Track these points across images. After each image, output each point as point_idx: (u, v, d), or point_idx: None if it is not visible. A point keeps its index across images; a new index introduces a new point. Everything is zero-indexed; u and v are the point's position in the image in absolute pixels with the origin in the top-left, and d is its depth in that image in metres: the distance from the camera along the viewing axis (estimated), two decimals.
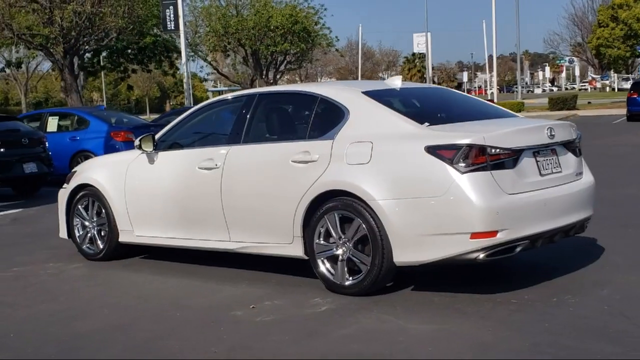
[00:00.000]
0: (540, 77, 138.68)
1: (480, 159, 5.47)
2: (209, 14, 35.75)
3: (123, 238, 7.54)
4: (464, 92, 49.43)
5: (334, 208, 5.93)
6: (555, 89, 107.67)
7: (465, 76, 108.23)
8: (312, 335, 5.05)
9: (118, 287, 6.77)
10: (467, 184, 5.43)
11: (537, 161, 5.85)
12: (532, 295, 5.69)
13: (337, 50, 43.30)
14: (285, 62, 36.96)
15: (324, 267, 6.05)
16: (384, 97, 6.24)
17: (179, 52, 35.89)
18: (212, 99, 7.47)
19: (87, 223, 7.84)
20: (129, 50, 33.77)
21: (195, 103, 79.77)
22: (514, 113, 6.83)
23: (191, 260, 7.36)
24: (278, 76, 38.26)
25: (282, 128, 6.76)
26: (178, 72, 37.02)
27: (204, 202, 6.79)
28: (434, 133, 5.69)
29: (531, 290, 5.82)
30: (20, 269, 7.62)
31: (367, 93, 6.23)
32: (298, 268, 6.52)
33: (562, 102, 44.42)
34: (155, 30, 31.77)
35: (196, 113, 7.32)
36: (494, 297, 5.68)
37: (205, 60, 39.18)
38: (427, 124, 5.81)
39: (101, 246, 7.72)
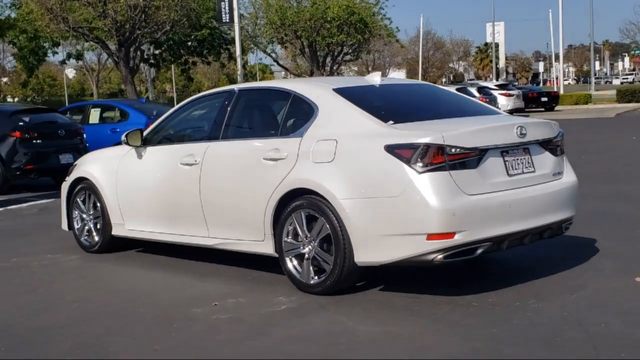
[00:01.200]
0: (620, 68, 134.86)
1: (439, 158, 5.34)
2: (268, 5, 35.92)
3: (116, 231, 7.66)
4: (539, 83, 48.53)
5: (300, 206, 5.89)
6: (631, 79, 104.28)
7: (541, 66, 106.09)
8: (258, 335, 5.02)
9: (99, 280, 6.86)
10: (423, 184, 5.32)
11: (505, 161, 5.69)
12: (497, 299, 5.54)
13: (397, 41, 42.88)
14: (342, 53, 36.86)
15: (291, 265, 6.02)
16: (354, 94, 6.15)
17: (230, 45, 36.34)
18: (198, 94, 7.52)
19: (84, 216, 7.99)
20: (189, 43, 34.26)
21: None
22: (497, 110, 6.67)
23: (184, 255, 7.38)
24: (335, 67, 38.18)
25: (257, 124, 6.76)
26: (234, 64, 37.32)
27: (185, 197, 6.84)
28: (395, 132, 5.58)
29: (499, 293, 5.67)
30: (18, 259, 7.81)
31: (338, 90, 6.16)
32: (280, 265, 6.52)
33: (630, 95, 43.08)
34: (212, 23, 32.10)
35: (183, 108, 7.38)
36: (458, 300, 5.55)
37: (264, 52, 39.41)
38: (391, 122, 5.71)
39: (97, 239, 7.86)
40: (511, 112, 34.76)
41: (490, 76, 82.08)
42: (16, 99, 68.00)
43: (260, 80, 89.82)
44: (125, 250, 7.86)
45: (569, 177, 6.24)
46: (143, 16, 24.69)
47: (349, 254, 5.61)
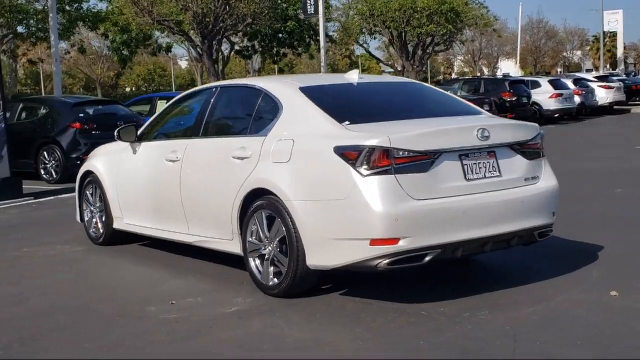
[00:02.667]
0: None
1: (384, 162, 5.17)
2: None
3: (116, 224, 7.81)
4: None
5: (261, 207, 5.83)
6: None
7: None
8: (191, 337, 4.98)
9: (85, 274, 6.99)
10: (367, 188, 5.16)
11: (463, 165, 5.44)
12: (450, 308, 5.32)
13: (494, 30, 41.81)
14: (432, 43, 36.24)
15: (254, 265, 5.97)
16: (321, 94, 6.03)
17: (329, 35, 36.34)
18: (188, 91, 7.57)
19: (92, 208, 8.18)
20: (280, 35, 34.55)
21: None
22: (479, 110, 6.38)
23: (182, 251, 7.35)
24: (426, 58, 37.60)
25: (232, 122, 6.75)
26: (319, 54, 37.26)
27: (169, 193, 6.89)
28: (346, 133, 5.44)
29: (457, 302, 5.44)
30: (30, 249, 8.07)
31: (304, 89, 6.05)
32: None
33: None
34: (300, 14, 32.24)
35: (174, 104, 7.44)
36: (409, 308, 5.37)
37: (357, 42, 39.25)
38: (347, 122, 5.56)
39: (101, 231, 8.04)
40: (610, 105, 33.38)
41: (607, 66, 79.00)
42: (128, 89, 70.39)
43: (364, 71, 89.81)
44: (130, 244, 7.99)
45: (546, 182, 5.91)
46: (226, 8, 25.04)
47: (302, 256, 5.51)
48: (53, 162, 14.48)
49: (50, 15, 20.06)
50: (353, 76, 6.43)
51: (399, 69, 38.43)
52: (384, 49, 41.51)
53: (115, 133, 7.50)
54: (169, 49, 30.37)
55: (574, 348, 4.51)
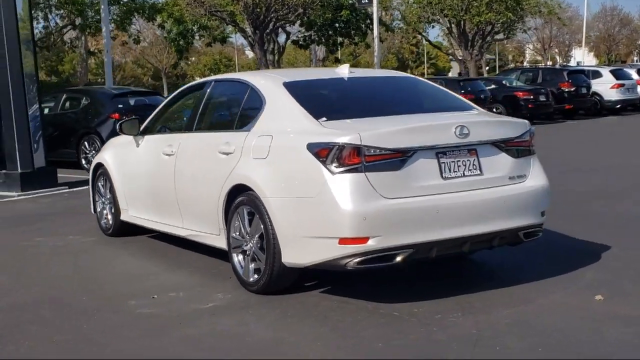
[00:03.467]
0: None
1: (354, 159, 5.07)
2: None
3: (123, 216, 7.90)
4: None
5: (242, 203, 5.81)
6: None
7: None
8: (159, 333, 4.98)
9: (84, 265, 7.06)
10: (336, 186, 5.08)
11: (440, 163, 5.30)
12: (424, 309, 5.21)
13: (559, 18, 40.82)
14: (492, 32, 35.57)
15: (237, 261, 5.96)
16: (303, 89, 5.96)
17: (385, 25, 36.05)
18: (188, 84, 7.58)
19: (103, 200, 8.30)
20: (336, 24, 34.42)
21: (437, 74, 78.04)
22: (472, 106, 6.21)
23: (184, 244, 7.42)
24: (485, 47, 36.94)
25: (221, 117, 6.73)
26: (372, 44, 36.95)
27: (165, 187, 6.93)
28: (320, 130, 5.36)
29: (433, 303, 5.32)
30: (42, 239, 8.23)
31: (287, 84, 5.98)
32: None
33: None
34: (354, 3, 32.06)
35: (175, 97, 7.47)
36: (383, 308, 5.27)
37: (416, 30, 38.87)
38: (324, 119, 5.48)
39: (111, 222, 8.15)
40: None
41: None
42: (197, 78, 71.13)
43: (431, 60, 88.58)
44: (139, 235, 8.06)
45: (535, 181, 5.72)
46: None
47: (278, 254, 5.47)
48: (93, 152, 14.75)
49: (102, 7, 20.43)
50: (343, 71, 6.34)
51: (459, 57, 37.87)
52: (444, 38, 40.89)
53: (117, 126, 7.57)
54: (224, 39, 30.60)
55: (533, 355, 4.36)
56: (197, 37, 31.85)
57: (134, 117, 7.83)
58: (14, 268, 7.02)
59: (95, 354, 4.68)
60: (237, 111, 6.33)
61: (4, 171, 12.27)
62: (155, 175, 7.13)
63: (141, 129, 7.53)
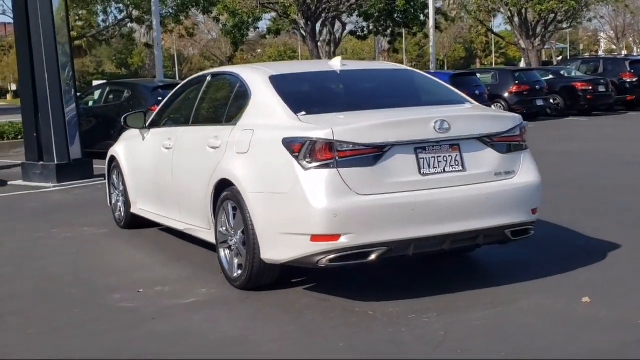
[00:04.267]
0: None
1: (326, 155, 4.97)
2: None
3: (132, 209, 7.95)
4: None
5: (226, 197, 5.76)
6: None
7: None
8: (130, 328, 4.99)
9: (85, 256, 7.09)
10: (307, 182, 4.99)
11: (418, 158, 5.15)
12: (400, 308, 5.08)
13: (626, 6, 39.58)
14: (554, 21, 34.65)
15: (223, 255, 5.92)
16: (288, 82, 5.88)
17: (444, 14, 35.56)
18: (191, 77, 7.56)
19: (117, 192, 8.37)
20: (395, 14, 34.10)
21: (507, 63, 76.32)
22: (465, 99, 6.02)
23: (189, 238, 7.46)
24: (547, 36, 36.02)
25: (212, 110, 6.69)
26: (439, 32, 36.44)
27: (164, 180, 6.95)
28: (296, 124, 5.27)
29: (412, 302, 5.20)
30: (57, 230, 8.32)
31: (273, 77, 5.90)
32: None
33: None
34: None
35: (178, 90, 7.46)
36: (358, 306, 5.17)
37: (477, 19, 38.21)
38: (303, 112, 5.39)
39: (122, 214, 8.22)
40: None
41: None
42: None
43: (500, 50, 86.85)
44: (150, 228, 8.10)
45: (524, 177, 5.51)
46: None
47: (257, 249, 5.41)
48: None
49: (152, 0, 20.67)
50: (336, 63, 6.23)
51: (522, 46, 37.09)
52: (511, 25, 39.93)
53: (122, 119, 7.62)
54: (277, 31, 30.62)
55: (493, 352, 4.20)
56: (251, 30, 31.98)
57: (139, 110, 7.84)
58: (19, 258, 7.13)
59: (57, 347, 4.69)
60: (226, 105, 6.28)
61: (41, 162, 12.53)
62: (156, 168, 7.15)
63: (149, 121, 7.54)
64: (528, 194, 5.50)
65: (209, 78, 6.81)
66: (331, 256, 5.00)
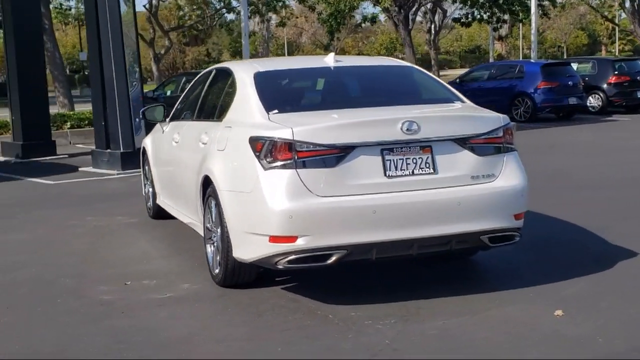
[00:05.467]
0: None
1: (286, 155, 4.89)
2: None
3: (157, 200, 8.10)
4: None
5: (209, 194, 5.78)
6: None
7: None
8: (92, 322, 5.04)
9: (99, 246, 7.24)
10: (266, 182, 4.94)
11: (385, 160, 4.98)
12: (362, 314, 4.95)
13: None
14: None
15: (209, 251, 5.94)
16: (270, 80, 5.84)
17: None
18: (204, 70, 7.59)
19: (147, 183, 8.55)
20: (500, 1, 33.16)
21: (635, 52, 72.67)
22: (459, 98, 5.78)
23: None
24: None
25: (209, 106, 6.68)
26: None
27: (173, 174, 7.05)
28: (264, 123, 5.20)
29: (377, 308, 5.06)
30: (91, 218, 8.52)
31: (258, 74, 5.85)
32: None
33: None
34: None
35: (195, 84, 7.51)
36: (324, 309, 5.08)
37: (590, 5, 36.71)
38: (275, 111, 5.32)
39: (151, 205, 8.39)
40: None
41: None
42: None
43: (626, 38, 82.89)
44: (175, 219, 8.22)
45: (505, 181, 5.24)
46: None
47: (230, 248, 5.40)
48: None
49: None
50: (328, 60, 6.12)
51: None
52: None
53: (141, 112, 7.74)
54: (373, 20, 30.35)
55: None
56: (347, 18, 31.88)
57: (159, 103, 7.97)
58: (39, 246, 7.37)
59: (16, 338, 4.82)
60: (219, 101, 6.29)
61: (108, 151, 12.97)
62: (169, 162, 7.26)
63: (171, 115, 7.64)
64: (509, 198, 5.23)
65: (213, 73, 6.84)
66: (289, 258, 4.92)
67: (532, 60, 25.28)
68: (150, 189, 8.35)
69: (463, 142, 5.15)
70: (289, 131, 4.89)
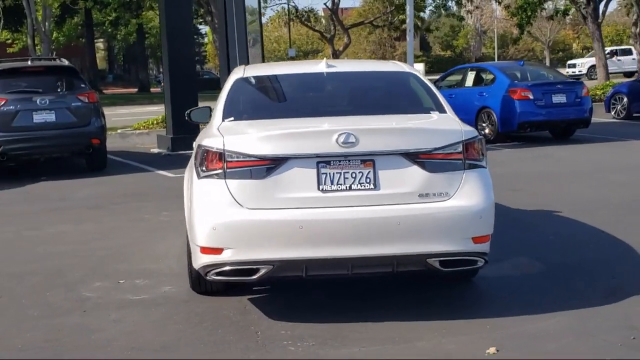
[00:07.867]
0: None
1: (216, 165, 4.80)
2: None
3: None
4: None
5: None
6: None
7: None
8: (51, 319, 5.22)
9: (128, 242, 7.41)
10: (197, 191, 4.90)
11: (320, 173, 4.72)
12: (293, 332, 4.79)
13: None
14: None
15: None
16: (249, 85, 5.77)
17: None
18: None
19: None
20: None
21: None
22: (441, 109, 5.35)
23: None
24: None
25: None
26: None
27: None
28: (212, 131, 5.13)
29: (317, 327, 4.86)
30: (167, 213, 8.65)
31: (240, 79, 5.79)
32: None
33: None
34: None
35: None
36: (267, 325, 4.97)
37: None
38: (231, 119, 5.24)
39: None
40: None
41: None
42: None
43: None
44: None
45: (461, 200, 4.77)
46: None
47: (191, 255, 5.39)
48: None
49: None
50: (321, 66, 5.89)
51: None
52: None
53: (187, 114, 7.88)
54: (565, 12, 28.54)
55: None
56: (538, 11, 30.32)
57: (205, 105, 8.06)
58: (89, 239, 7.68)
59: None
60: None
61: None
62: None
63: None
64: (465, 220, 4.76)
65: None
66: (217, 270, 4.83)
67: None
68: None
69: (413, 157, 4.76)
70: (221, 140, 4.80)
